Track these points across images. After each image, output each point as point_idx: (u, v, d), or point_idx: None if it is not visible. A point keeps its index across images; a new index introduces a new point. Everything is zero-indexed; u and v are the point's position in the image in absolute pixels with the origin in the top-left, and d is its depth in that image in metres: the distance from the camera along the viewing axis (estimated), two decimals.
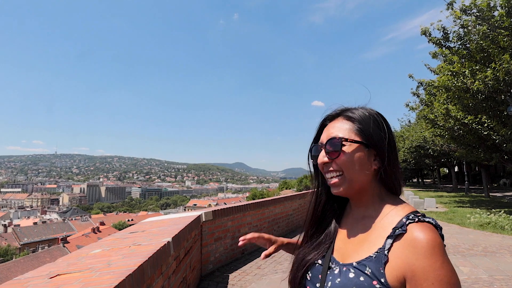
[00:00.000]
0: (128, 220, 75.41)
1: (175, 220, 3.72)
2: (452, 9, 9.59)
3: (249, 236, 1.05)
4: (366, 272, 0.66)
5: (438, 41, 10.78)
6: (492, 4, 8.73)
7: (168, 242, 2.42)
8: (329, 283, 0.71)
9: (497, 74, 8.53)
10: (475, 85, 9.46)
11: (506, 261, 5.42)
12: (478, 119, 11.86)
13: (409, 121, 31.18)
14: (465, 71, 9.94)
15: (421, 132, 22.84)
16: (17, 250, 47.44)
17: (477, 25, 9.15)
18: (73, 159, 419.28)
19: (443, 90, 11.18)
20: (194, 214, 4.23)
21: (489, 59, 9.45)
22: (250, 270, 4.60)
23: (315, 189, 0.87)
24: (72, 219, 73.68)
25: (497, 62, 8.49)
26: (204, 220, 4.31)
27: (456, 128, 12.96)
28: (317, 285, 0.75)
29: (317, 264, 0.79)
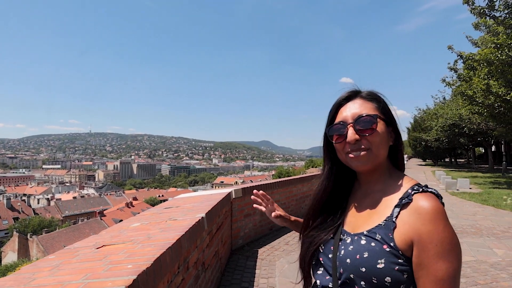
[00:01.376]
0: (159, 196, 78.95)
1: (206, 197, 3.85)
2: None
3: (261, 192, 1.21)
4: (376, 238, 0.73)
5: (481, 10, 9.92)
6: None
7: (202, 217, 2.53)
8: (342, 252, 0.78)
9: None
10: None
11: None
12: None
13: (444, 98, 29.58)
14: (511, 43, 9.14)
15: (457, 109, 21.63)
16: (60, 222, 51.45)
17: None
18: (106, 138, 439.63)
19: (485, 64, 10.40)
20: (225, 191, 4.35)
21: None
22: (279, 246, 4.72)
23: (328, 169, 0.93)
24: (107, 194, 78.24)
25: None
26: (234, 197, 4.43)
27: (496, 105, 12.16)
28: (330, 255, 0.82)
29: (330, 239, 0.85)
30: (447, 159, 46.02)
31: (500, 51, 9.45)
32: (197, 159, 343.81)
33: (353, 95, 0.86)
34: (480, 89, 12.33)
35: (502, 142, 23.74)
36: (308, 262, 0.90)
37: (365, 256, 0.73)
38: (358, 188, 0.91)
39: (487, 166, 27.89)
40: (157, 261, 1.54)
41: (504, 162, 21.49)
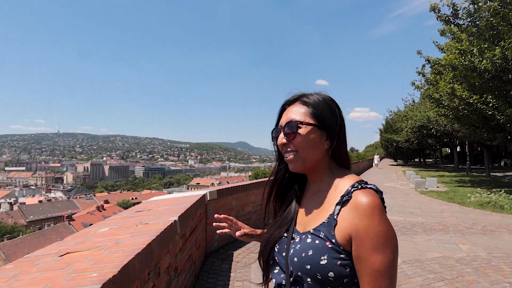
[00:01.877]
0: (132, 199, 76.71)
1: (180, 199, 3.76)
2: None
3: (222, 216, 1.16)
4: (320, 236, 0.77)
5: (447, 18, 10.44)
6: None
7: (175, 221, 2.45)
8: (291, 250, 0.82)
9: (506, 53, 8.31)
10: (482, 64, 9.25)
11: (505, 239, 5.51)
12: (483, 98, 11.69)
13: (413, 101, 30.86)
14: (473, 50, 9.68)
15: (425, 112, 22.66)
16: (24, 228, 48.64)
17: (488, 1, 8.83)
18: (76, 138, 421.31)
19: (450, 68, 10.94)
20: (199, 193, 4.27)
21: (498, 37, 9.17)
22: (254, 248, 4.69)
23: (276, 167, 0.98)
24: (76, 197, 74.98)
25: (506, 41, 8.24)
26: (209, 199, 4.36)
27: (461, 108, 12.82)
28: (283, 254, 0.86)
29: (283, 237, 0.89)
30: (416, 159, 48.11)
31: (463, 57, 9.98)
32: (172, 161, 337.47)
33: (295, 99, 0.91)
34: (446, 93, 12.96)
35: (466, 143, 25.13)
36: (265, 261, 0.93)
37: (309, 253, 0.76)
38: (308, 187, 0.95)
39: (453, 165, 29.42)
40: (125, 268, 1.46)
41: (468, 162, 22.78)
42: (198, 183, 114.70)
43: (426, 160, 47.64)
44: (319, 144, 0.85)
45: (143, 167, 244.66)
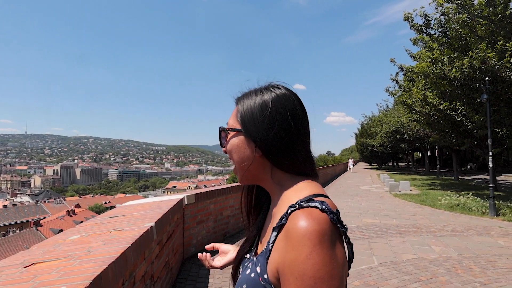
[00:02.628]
0: (105, 203, 74.05)
1: (157, 204, 3.63)
2: None
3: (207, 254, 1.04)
4: (257, 268, 0.63)
5: (419, 28, 10.89)
6: None
7: (151, 227, 2.34)
8: (239, 277, 0.71)
9: (473, 63, 8.76)
10: (452, 72, 9.70)
11: (474, 240, 5.76)
12: (452, 105, 12.28)
13: (387, 106, 31.93)
14: (444, 58, 10.14)
15: (399, 117, 23.50)
16: None
17: (457, 13, 9.28)
18: (45, 140, 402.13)
19: (422, 76, 11.40)
20: (176, 197, 4.15)
21: (466, 48, 9.67)
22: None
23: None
24: (45, 201, 71.33)
25: (474, 51, 8.69)
26: (186, 203, 4.25)
27: (432, 114, 13.37)
28: None
29: (245, 258, 0.77)
30: (390, 163, 49.75)
31: (434, 65, 10.43)
32: (148, 163, 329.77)
33: (237, 100, 0.77)
34: (418, 99, 13.49)
35: (436, 147, 26.27)
36: (234, 284, 0.81)
37: None
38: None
39: (424, 169, 30.66)
40: (97, 279, 1.36)
41: (438, 166, 23.81)
42: (174, 187, 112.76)
43: (399, 163, 49.35)
44: (246, 153, 0.69)
45: (117, 170, 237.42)
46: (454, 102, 12.32)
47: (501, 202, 9.21)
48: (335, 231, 0.55)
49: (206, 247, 1.02)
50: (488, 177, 20.64)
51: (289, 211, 0.59)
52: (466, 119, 12.64)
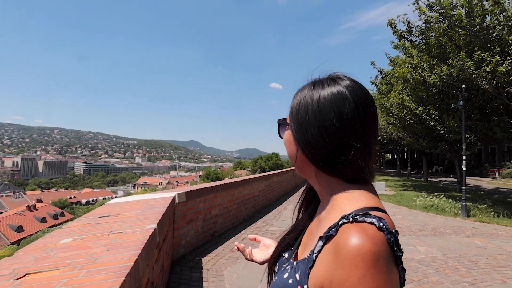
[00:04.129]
0: (70, 198, 70.72)
1: (149, 202, 3.37)
2: (418, 3, 9.94)
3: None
4: (296, 274, 0.58)
5: (401, 34, 11.19)
6: (454, 3, 9.19)
7: (155, 229, 2.13)
8: (275, 278, 0.67)
9: (452, 70, 9.11)
10: (431, 78, 10.04)
11: (453, 240, 5.97)
12: (427, 110, 12.79)
13: None
14: (424, 65, 10.49)
15: None
16: None
17: (439, 22, 9.61)
18: (4, 129, 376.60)
19: (401, 81, 11.75)
20: (168, 195, 3.90)
21: (445, 56, 10.05)
22: (223, 254, 4.44)
23: None
24: (2, 195, 66.90)
25: (453, 59, 9.04)
26: (177, 201, 4.01)
27: (408, 117, 13.87)
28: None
29: (283, 257, 0.73)
30: None
31: (415, 71, 10.78)
32: (117, 158, 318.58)
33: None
34: (395, 103, 13.93)
35: (406, 150, 27.37)
36: (268, 282, 0.77)
37: None
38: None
39: (395, 170, 31.84)
40: None
41: (409, 168, 24.83)
42: (145, 182, 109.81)
43: None
44: (292, 148, 0.66)
45: (84, 164, 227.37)
46: (428, 107, 12.85)
47: (471, 203, 9.69)
48: (391, 254, 0.49)
49: (249, 237, 0.98)
50: (454, 179, 21.84)
51: (340, 222, 0.53)
52: (439, 124, 13.23)
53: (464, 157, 9.26)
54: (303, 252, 0.66)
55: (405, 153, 29.17)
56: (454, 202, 10.04)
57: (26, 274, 1.41)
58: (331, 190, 0.62)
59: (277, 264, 0.74)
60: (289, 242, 0.74)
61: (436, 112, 12.86)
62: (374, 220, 0.50)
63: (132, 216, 2.63)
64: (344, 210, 0.56)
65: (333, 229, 0.53)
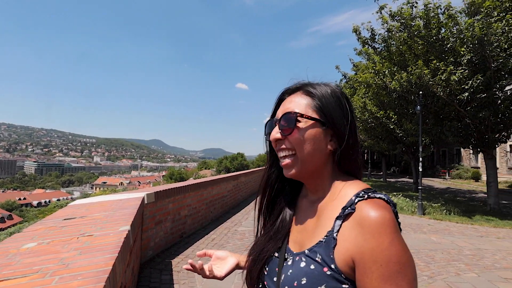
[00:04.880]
0: (20, 199, 65.44)
1: (116, 203, 3.21)
2: (381, 12, 10.46)
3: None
4: (317, 259, 0.62)
5: (365, 40, 11.72)
6: (413, 15, 9.80)
7: (129, 231, 2.03)
8: (283, 276, 0.67)
9: (411, 77, 9.72)
10: (392, 84, 10.63)
11: (412, 237, 6.36)
12: (387, 114, 13.53)
13: None
14: (385, 71, 11.08)
15: None
16: None
17: (400, 31, 10.20)
18: None
19: (364, 85, 12.31)
20: (136, 195, 3.74)
21: (404, 63, 10.69)
22: (193, 255, 4.35)
23: (267, 170, 0.81)
24: None
25: (412, 67, 9.64)
26: (146, 202, 3.87)
27: (369, 120, 14.55)
28: (274, 279, 0.70)
29: (273, 257, 0.73)
30: None
31: (377, 76, 11.35)
32: (74, 156, 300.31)
33: (297, 88, 0.75)
34: (358, 106, 14.56)
35: (367, 151, 28.73)
36: (253, 284, 0.76)
37: (303, 282, 0.61)
38: (305, 194, 0.78)
39: None
40: None
41: (369, 169, 26.07)
42: (104, 182, 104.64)
43: None
44: (321, 145, 0.68)
45: (36, 163, 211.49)
46: (388, 111, 13.60)
47: (426, 202, 10.39)
48: (397, 222, 0.60)
49: (198, 253, 0.91)
50: (409, 180, 23.31)
51: (356, 200, 0.61)
52: (397, 127, 14.04)
53: (420, 159, 9.92)
54: (301, 244, 0.69)
55: (366, 154, 30.60)
56: (411, 201, 10.71)
57: None
58: (333, 181, 0.70)
59: (266, 266, 0.73)
60: (278, 240, 0.75)
61: (395, 116, 13.65)
62: (382, 195, 0.61)
63: (101, 218, 2.49)
64: (351, 193, 0.64)
65: (348, 208, 0.61)
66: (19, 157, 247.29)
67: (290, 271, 0.65)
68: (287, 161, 0.69)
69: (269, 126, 0.75)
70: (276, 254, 0.73)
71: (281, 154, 0.71)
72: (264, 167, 0.83)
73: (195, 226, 5.63)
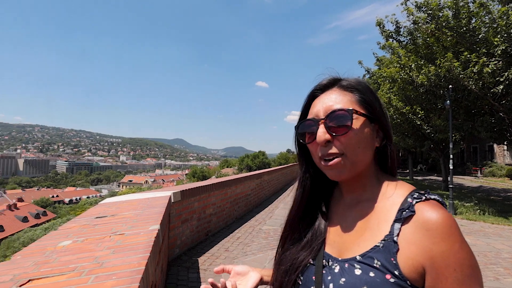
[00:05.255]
0: (53, 196, 68.75)
1: (145, 202, 3.28)
2: (406, 4, 10.07)
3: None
4: (375, 265, 0.57)
5: (390, 34, 11.33)
6: (441, 5, 9.36)
7: (158, 230, 2.06)
8: (331, 285, 0.60)
9: (439, 71, 9.30)
10: (419, 78, 10.22)
11: None
12: (413, 109, 13.04)
13: None
14: (411, 65, 10.67)
15: None
16: None
17: (426, 23, 9.78)
18: None
19: (389, 80, 11.91)
20: (163, 194, 3.81)
21: (432, 56, 10.24)
22: (219, 253, 4.38)
23: (301, 178, 0.76)
24: None
25: (441, 60, 9.22)
26: (173, 201, 3.93)
27: (395, 116, 14.08)
28: None
29: (309, 265, 0.67)
30: None
31: (403, 71, 10.95)
32: (101, 156, 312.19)
33: (331, 84, 0.69)
34: (383, 102, 14.11)
35: None
36: None
37: None
38: (340, 196, 0.74)
39: None
40: None
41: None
42: (130, 181, 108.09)
43: None
44: (372, 142, 0.65)
45: (67, 162, 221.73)
46: (414, 107, 13.10)
47: (457, 201, 9.93)
48: None
49: (215, 270, 0.81)
50: (437, 178, 22.42)
51: (414, 202, 0.58)
52: (425, 123, 13.51)
53: (451, 156, 9.48)
54: (345, 250, 0.64)
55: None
56: None
57: (29, 280, 1.33)
58: (377, 181, 0.67)
59: (301, 276, 0.68)
60: (314, 247, 0.69)
61: (422, 112, 13.14)
62: (436, 197, 0.59)
63: (131, 217, 2.55)
64: (403, 194, 0.62)
65: (407, 210, 0.58)
66: (52, 156, 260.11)
67: (343, 279, 0.59)
68: (335, 161, 0.63)
69: (307, 127, 0.68)
70: (312, 262, 0.68)
71: (326, 157, 0.64)
72: (298, 175, 0.77)
73: (220, 224, 5.67)
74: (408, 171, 24.60)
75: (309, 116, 0.68)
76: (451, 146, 9.38)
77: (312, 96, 0.71)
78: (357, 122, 0.63)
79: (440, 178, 17.75)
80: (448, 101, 9.23)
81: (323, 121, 0.64)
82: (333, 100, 0.66)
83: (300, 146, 0.74)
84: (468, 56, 8.66)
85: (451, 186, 9.06)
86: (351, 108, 0.63)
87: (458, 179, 22.25)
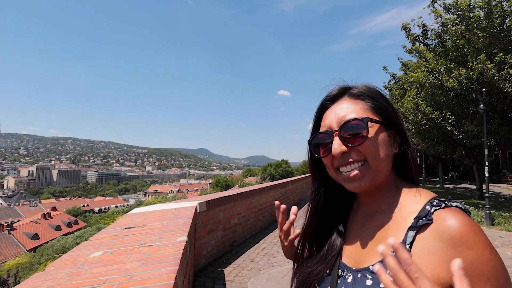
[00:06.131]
0: (84, 206, 71.57)
1: (171, 212, 3.30)
2: (433, 6, 9.78)
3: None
4: (387, 275, 0.51)
5: (416, 37, 11.02)
6: (471, 5, 9.00)
7: (186, 242, 2.04)
8: None
9: (471, 74, 8.89)
10: (449, 82, 9.81)
11: None
12: (443, 115, 12.50)
13: None
14: (440, 68, 10.27)
15: None
16: None
17: (456, 24, 9.43)
18: (20, 139, 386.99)
19: (417, 85, 11.52)
20: (189, 204, 3.83)
21: (463, 59, 9.83)
22: (245, 264, 4.32)
23: (314, 192, 0.74)
24: (19, 204, 68.12)
25: (473, 62, 8.82)
26: (198, 211, 3.93)
27: (423, 122, 13.55)
28: None
29: (325, 277, 0.67)
30: None
31: (431, 75, 10.56)
32: (128, 166, 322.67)
33: (340, 93, 0.68)
34: (410, 107, 13.66)
35: (420, 156, 26.86)
36: None
37: None
38: (357, 208, 0.72)
39: None
40: None
41: (424, 174, 24.33)
42: (156, 190, 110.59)
43: None
44: (391, 149, 0.63)
45: (96, 172, 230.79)
46: (444, 112, 12.55)
47: (494, 211, 9.32)
48: None
49: (277, 203, 0.82)
50: (470, 186, 21.25)
51: (432, 210, 0.55)
52: (455, 129, 12.90)
53: (487, 163, 8.95)
54: (361, 260, 0.62)
55: (419, 159, 28.59)
56: (476, 210, 9.68)
57: None
58: (397, 190, 0.64)
59: (318, 286, 0.67)
60: (329, 258, 0.68)
61: (453, 117, 12.56)
62: (458, 204, 0.55)
63: (159, 227, 2.56)
64: (421, 202, 0.59)
65: (423, 218, 0.54)
66: (83, 167, 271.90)
67: None
68: (355, 172, 0.61)
69: (321, 139, 0.66)
70: (328, 272, 0.67)
71: (345, 168, 0.62)
72: (311, 188, 0.75)
73: (245, 234, 5.62)
74: (438, 178, 23.51)
75: (322, 129, 0.66)
76: (486, 152, 8.87)
77: (322, 108, 0.70)
78: (373, 130, 0.61)
79: (474, 186, 16.81)
80: (481, 105, 8.77)
81: (337, 132, 0.62)
82: (345, 110, 0.64)
83: (313, 160, 0.73)
84: (503, 57, 8.23)
85: (487, 195, 8.53)
86: (365, 117, 0.61)
87: (493, 187, 20.95)
